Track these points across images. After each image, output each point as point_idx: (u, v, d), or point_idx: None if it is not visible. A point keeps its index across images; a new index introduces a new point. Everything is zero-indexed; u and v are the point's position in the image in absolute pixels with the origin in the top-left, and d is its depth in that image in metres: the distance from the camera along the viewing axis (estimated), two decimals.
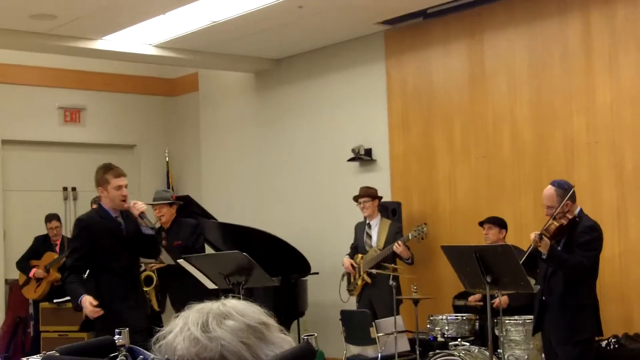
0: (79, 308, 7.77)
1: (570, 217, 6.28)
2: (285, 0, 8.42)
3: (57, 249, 10.28)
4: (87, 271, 6.77)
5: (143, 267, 8.53)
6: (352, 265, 8.89)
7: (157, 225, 7.51)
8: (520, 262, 6.28)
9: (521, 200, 8.60)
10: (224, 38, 9.86)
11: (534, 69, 8.54)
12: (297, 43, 10.38)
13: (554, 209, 6.28)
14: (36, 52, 10.56)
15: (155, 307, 8.77)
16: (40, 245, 10.35)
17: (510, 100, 8.74)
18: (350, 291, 9.00)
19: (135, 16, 8.94)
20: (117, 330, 2.17)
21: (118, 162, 12.23)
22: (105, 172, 6.70)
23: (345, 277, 9.10)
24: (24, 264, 10.26)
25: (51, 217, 10.44)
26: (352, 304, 8.99)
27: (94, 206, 9.08)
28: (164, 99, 13.02)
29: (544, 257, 6.23)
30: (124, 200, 6.66)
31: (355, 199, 8.99)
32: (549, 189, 6.38)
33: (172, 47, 10.28)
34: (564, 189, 6.34)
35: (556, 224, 6.23)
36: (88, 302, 6.47)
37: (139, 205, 6.67)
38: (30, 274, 10.10)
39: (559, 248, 6.29)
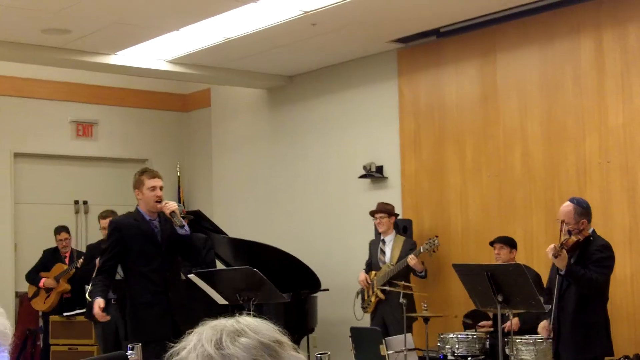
0: (90, 316, 7.83)
1: (586, 234, 6.28)
2: (298, 18, 8.45)
3: (67, 260, 10.28)
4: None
5: None
6: (366, 280, 8.87)
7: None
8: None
9: (532, 220, 8.58)
10: (236, 54, 9.89)
11: (546, 89, 8.54)
12: (310, 60, 10.40)
13: (569, 225, 6.28)
14: (49, 66, 10.61)
15: None
16: (49, 258, 10.35)
17: (522, 119, 8.73)
18: (364, 308, 8.98)
19: (149, 32, 8.98)
20: (129, 346, 2.17)
21: (130, 176, 12.34)
22: (141, 174, 6.75)
23: (360, 295, 9.08)
24: (33, 276, 10.27)
25: (60, 229, 10.45)
26: (365, 321, 8.97)
27: (101, 222, 9.10)
28: (176, 114, 13.06)
29: (562, 272, 6.21)
30: (159, 201, 6.66)
31: (372, 213, 8.98)
32: (568, 205, 6.37)
33: (185, 63, 10.32)
34: (583, 207, 6.36)
35: (574, 238, 6.23)
36: (97, 304, 6.47)
37: (169, 205, 6.67)
38: (40, 284, 10.09)
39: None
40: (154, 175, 6.74)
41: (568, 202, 6.42)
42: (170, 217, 6.62)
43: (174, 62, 10.24)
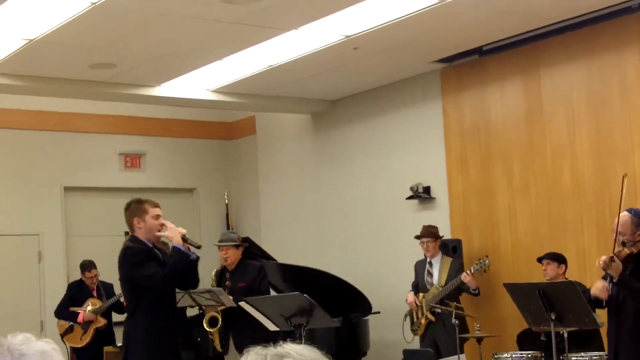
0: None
1: None
2: (340, 43, 8.48)
3: (95, 294, 10.17)
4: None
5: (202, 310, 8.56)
6: (415, 302, 8.81)
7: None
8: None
9: (584, 237, 8.48)
10: (280, 81, 9.94)
11: (593, 104, 8.46)
12: (353, 84, 10.42)
13: (625, 236, 6.14)
14: (97, 100, 10.76)
15: (218, 348, 8.76)
16: (76, 291, 10.18)
17: (569, 135, 8.65)
18: (414, 331, 8.92)
19: (193, 62, 9.07)
20: None
21: (178, 205, 12.57)
22: (142, 203, 6.66)
23: (408, 317, 9.02)
24: (66, 313, 10.06)
25: (90, 267, 10.23)
26: (415, 344, 8.91)
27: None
28: (223, 142, 13.16)
29: (615, 280, 6.06)
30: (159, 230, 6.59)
31: (418, 237, 8.94)
32: (625, 216, 6.21)
33: (230, 92, 10.40)
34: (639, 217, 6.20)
35: (627, 251, 6.08)
36: None
37: (180, 229, 6.54)
38: (79, 319, 9.94)
39: None
40: (156, 204, 6.70)
41: (625, 212, 6.26)
42: (183, 240, 6.52)
43: (218, 91, 10.33)
